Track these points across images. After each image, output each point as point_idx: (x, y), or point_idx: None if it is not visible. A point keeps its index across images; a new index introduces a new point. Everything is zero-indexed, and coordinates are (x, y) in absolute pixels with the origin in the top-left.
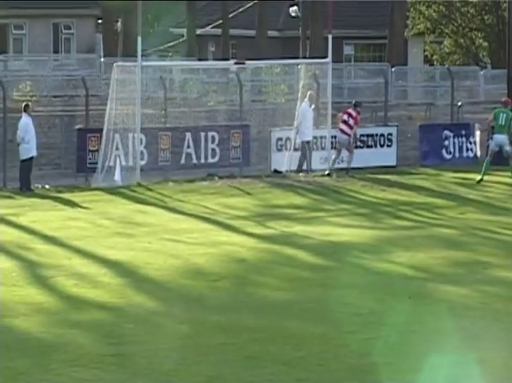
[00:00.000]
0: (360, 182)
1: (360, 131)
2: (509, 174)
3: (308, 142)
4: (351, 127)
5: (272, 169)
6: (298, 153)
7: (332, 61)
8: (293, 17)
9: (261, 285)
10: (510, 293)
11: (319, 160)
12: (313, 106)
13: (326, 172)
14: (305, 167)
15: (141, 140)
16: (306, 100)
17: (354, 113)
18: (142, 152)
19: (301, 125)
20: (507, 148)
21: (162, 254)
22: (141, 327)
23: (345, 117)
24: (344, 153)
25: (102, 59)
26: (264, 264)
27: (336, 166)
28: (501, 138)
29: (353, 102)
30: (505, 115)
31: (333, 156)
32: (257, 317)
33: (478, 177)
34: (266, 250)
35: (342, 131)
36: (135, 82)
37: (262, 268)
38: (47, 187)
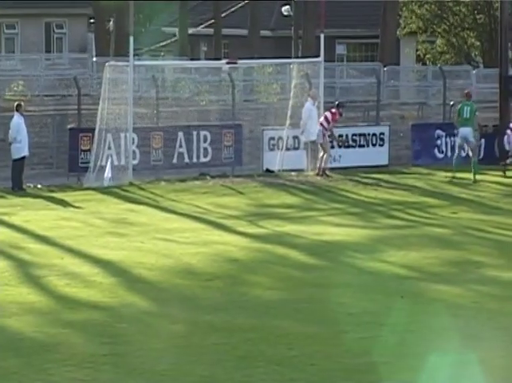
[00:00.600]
0: (352, 181)
1: (352, 130)
2: (500, 173)
3: (313, 141)
4: (329, 122)
5: (264, 168)
6: (290, 152)
7: (325, 61)
8: (286, 16)
9: (253, 284)
10: (503, 292)
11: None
12: (316, 103)
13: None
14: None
15: (133, 139)
16: (309, 99)
17: (334, 110)
18: (134, 152)
19: (306, 125)
20: (471, 139)
21: (154, 253)
22: (134, 327)
23: (327, 114)
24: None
25: (94, 58)
26: (256, 263)
27: (329, 165)
28: (466, 131)
29: (336, 103)
30: (469, 108)
31: (320, 155)
32: (250, 317)
33: (472, 178)
34: (259, 249)
35: (320, 124)
36: (128, 82)
37: (255, 267)
38: (39, 186)
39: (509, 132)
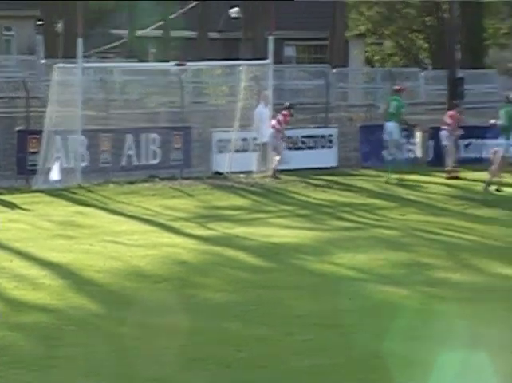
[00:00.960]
0: (301, 183)
1: (300, 132)
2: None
3: (265, 143)
4: (281, 124)
5: (213, 170)
6: (239, 154)
7: (274, 63)
8: (234, 18)
9: (202, 287)
10: (451, 294)
11: (260, 161)
12: (269, 106)
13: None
14: (257, 167)
15: (82, 141)
16: (261, 101)
17: (285, 112)
18: (83, 154)
19: (259, 127)
20: (396, 137)
21: (103, 256)
22: (82, 329)
23: (279, 116)
24: (275, 153)
25: (43, 60)
26: (205, 266)
27: (280, 167)
28: (390, 126)
29: (286, 104)
30: (396, 102)
31: (273, 157)
32: (199, 319)
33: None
34: (208, 251)
35: (273, 126)
36: (76, 84)
37: (204, 270)
38: None
39: (445, 127)
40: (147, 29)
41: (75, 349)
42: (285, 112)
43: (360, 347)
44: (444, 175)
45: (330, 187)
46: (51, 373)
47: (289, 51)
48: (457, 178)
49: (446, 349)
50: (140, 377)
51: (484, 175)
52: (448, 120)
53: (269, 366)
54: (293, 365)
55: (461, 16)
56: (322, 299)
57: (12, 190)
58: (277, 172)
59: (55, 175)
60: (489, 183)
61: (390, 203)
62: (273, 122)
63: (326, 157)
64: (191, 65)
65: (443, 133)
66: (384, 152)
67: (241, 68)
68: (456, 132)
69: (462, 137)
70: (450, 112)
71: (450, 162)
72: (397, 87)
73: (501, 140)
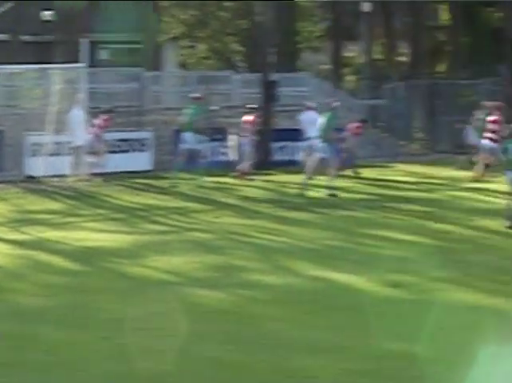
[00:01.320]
0: (116, 187)
1: (114, 136)
2: (268, 178)
3: (79, 146)
4: (102, 128)
5: (26, 174)
6: (53, 158)
7: (87, 66)
8: (47, 21)
9: (15, 291)
10: (265, 296)
11: (74, 165)
12: (83, 109)
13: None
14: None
15: None
16: (76, 104)
17: (106, 117)
18: None
19: (73, 130)
20: (196, 146)
21: None
22: None
23: (98, 121)
24: (93, 157)
25: None
26: (19, 270)
27: (95, 171)
28: (185, 136)
29: (106, 109)
30: (192, 111)
31: (90, 160)
32: (12, 324)
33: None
34: (21, 256)
35: (93, 131)
36: None
37: (17, 274)
38: None
39: (244, 133)
40: None
41: None
42: (105, 116)
43: (177, 351)
44: (235, 174)
45: (145, 191)
46: None
47: (103, 54)
48: (246, 179)
49: (261, 352)
50: None
51: (296, 178)
52: (246, 126)
53: (86, 370)
54: (108, 369)
55: (275, 19)
56: (137, 303)
57: None
58: (93, 176)
59: None
60: (305, 186)
61: (204, 206)
62: (94, 127)
63: (141, 160)
64: (3, 68)
65: (243, 141)
66: (178, 161)
67: (54, 71)
68: (253, 136)
69: (276, 140)
70: (248, 118)
71: (246, 165)
72: (194, 96)
73: (316, 143)
